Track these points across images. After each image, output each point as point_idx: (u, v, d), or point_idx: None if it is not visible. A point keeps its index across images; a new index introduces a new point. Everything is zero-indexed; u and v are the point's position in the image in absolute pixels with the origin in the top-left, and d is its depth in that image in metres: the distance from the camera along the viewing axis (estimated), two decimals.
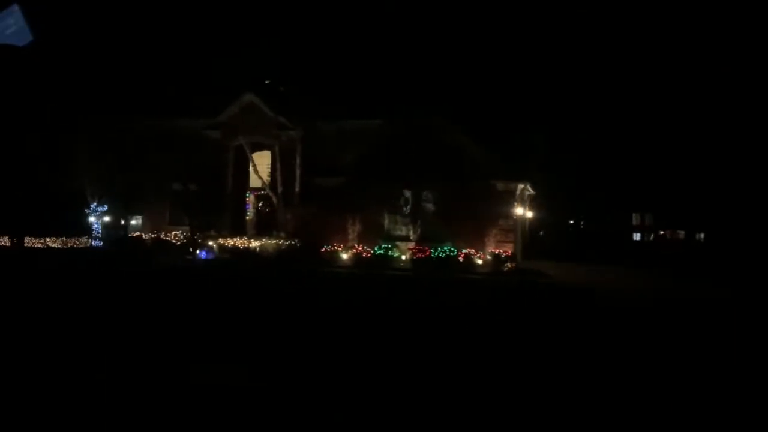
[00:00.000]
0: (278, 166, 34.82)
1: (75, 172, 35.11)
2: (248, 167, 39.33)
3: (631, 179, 60.95)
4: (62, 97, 35.85)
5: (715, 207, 54.46)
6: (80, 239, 35.40)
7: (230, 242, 30.93)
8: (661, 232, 79.18)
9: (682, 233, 75.85)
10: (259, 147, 38.57)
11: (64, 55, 37.43)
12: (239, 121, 37.67)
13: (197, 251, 30.06)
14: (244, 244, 30.50)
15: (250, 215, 38.94)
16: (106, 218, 39.35)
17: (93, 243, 34.22)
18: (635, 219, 79.77)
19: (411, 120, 28.25)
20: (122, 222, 36.79)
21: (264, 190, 39.13)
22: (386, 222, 28.77)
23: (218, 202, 37.81)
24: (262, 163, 39.05)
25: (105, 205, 34.87)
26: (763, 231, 45.97)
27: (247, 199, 39.21)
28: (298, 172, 33.48)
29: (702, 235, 70.97)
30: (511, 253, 26.58)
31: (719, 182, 51.70)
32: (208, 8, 41.01)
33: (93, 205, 34.68)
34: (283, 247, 30.14)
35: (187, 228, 37.60)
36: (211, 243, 30.98)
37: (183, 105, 38.50)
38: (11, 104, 36.39)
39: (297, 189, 33.65)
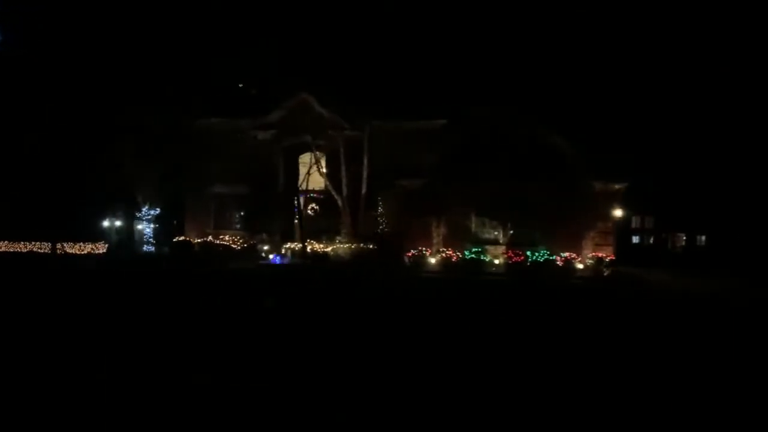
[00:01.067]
0: (342, 167, 33.70)
1: (121, 177, 33.52)
2: (299, 168, 38.26)
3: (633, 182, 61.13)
4: (106, 99, 34.25)
5: (718, 209, 54.86)
6: (96, 243, 34.12)
7: (299, 247, 29.73)
8: (663, 235, 79.87)
9: (683, 236, 76.63)
10: (307, 148, 37.48)
11: (108, 57, 35.81)
12: (292, 120, 36.45)
13: (271, 255, 28.76)
14: (322, 248, 29.35)
15: (298, 218, 37.76)
16: (137, 222, 37.98)
17: (145, 248, 32.63)
18: (635, 222, 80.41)
19: (497, 118, 27.41)
20: (173, 223, 35.15)
21: (311, 192, 37.96)
22: (473, 225, 27.95)
23: (269, 205, 36.62)
24: (308, 164, 38.02)
25: (157, 209, 33.30)
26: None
27: (296, 201, 38.06)
28: (364, 173, 32.37)
29: (703, 238, 71.77)
30: (613, 257, 25.99)
31: (721, 184, 52.04)
32: (256, 7, 39.59)
33: (144, 209, 33.09)
34: (357, 252, 29.09)
35: (233, 232, 36.34)
36: (286, 247, 29.72)
37: (230, 105, 37.17)
38: (53, 111, 34.81)
39: (363, 191, 32.55)
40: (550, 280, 23.25)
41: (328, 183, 32.79)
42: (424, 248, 27.36)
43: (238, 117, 36.54)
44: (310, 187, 37.49)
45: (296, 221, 37.62)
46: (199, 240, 34.23)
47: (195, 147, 35.08)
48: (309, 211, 38.66)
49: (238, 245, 31.55)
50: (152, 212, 32.84)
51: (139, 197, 33.26)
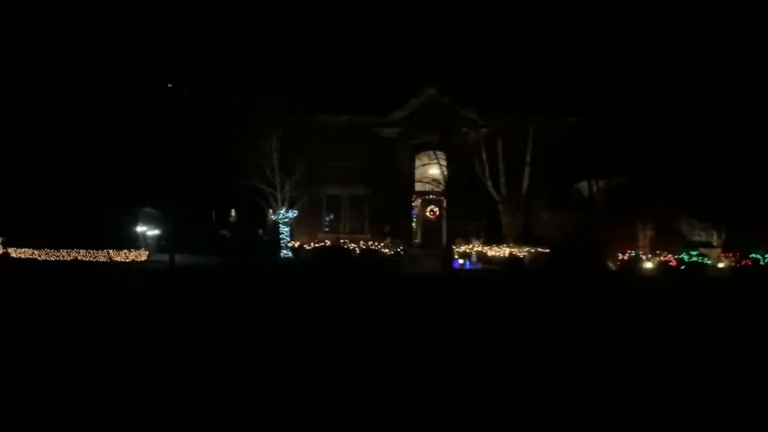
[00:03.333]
0: (486, 166, 31.49)
1: (250, 176, 30.29)
2: (422, 168, 35.68)
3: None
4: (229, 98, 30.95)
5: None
6: (138, 251, 30.22)
7: (488, 250, 27.38)
8: None
9: None
10: (431, 146, 35.03)
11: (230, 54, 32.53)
12: (419, 117, 34.06)
13: (461, 260, 26.26)
14: (512, 253, 27.06)
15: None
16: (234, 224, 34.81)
17: (282, 253, 29.41)
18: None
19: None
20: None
21: (430, 193, 35.40)
22: (683, 227, 26.30)
23: (393, 206, 34.03)
24: (432, 165, 35.56)
25: (295, 211, 30.10)
26: None
27: (413, 203, 35.54)
28: (526, 171, 30.34)
29: None
30: None
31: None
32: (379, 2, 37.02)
33: (282, 211, 29.84)
34: (535, 256, 27.01)
35: (351, 236, 33.44)
36: (460, 251, 27.28)
37: (351, 102, 34.33)
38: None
39: (523, 191, 30.49)
40: None
41: (488, 181, 30.58)
42: (636, 252, 25.49)
43: (363, 114, 33.87)
44: (432, 188, 35.33)
45: (414, 222, 35.26)
46: (352, 245, 30.89)
47: (311, 145, 32.09)
48: (428, 214, 36.26)
49: (390, 250, 28.70)
50: (290, 214, 29.53)
51: (278, 197, 29.95)
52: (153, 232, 32.72)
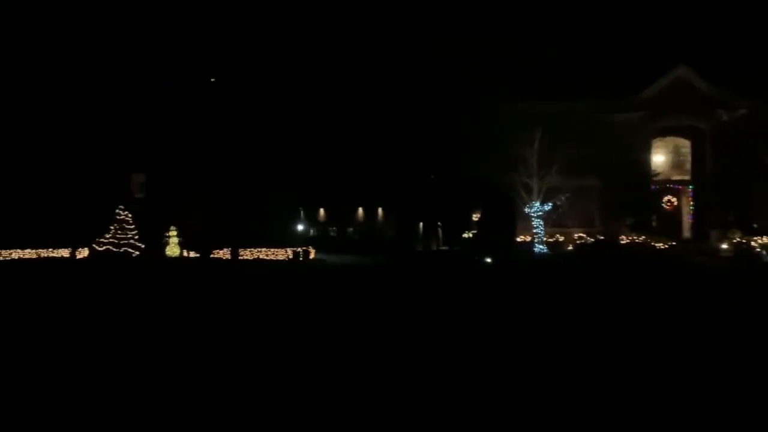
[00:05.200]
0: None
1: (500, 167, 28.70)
2: (664, 153, 33.25)
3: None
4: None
5: None
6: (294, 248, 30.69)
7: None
8: None
9: None
10: (672, 131, 32.50)
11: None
12: (662, 99, 31.38)
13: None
14: None
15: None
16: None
17: (537, 248, 27.60)
18: None
19: None
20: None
21: (668, 182, 32.65)
22: None
23: (632, 197, 31.51)
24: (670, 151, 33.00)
25: (550, 204, 28.28)
26: None
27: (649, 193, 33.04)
28: None
29: None
30: None
31: None
32: None
33: (536, 204, 28.08)
34: None
35: (573, 230, 31.25)
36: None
37: (575, 87, 31.91)
38: None
39: None
40: None
41: None
42: None
43: (581, 99, 31.29)
44: (668, 177, 32.81)
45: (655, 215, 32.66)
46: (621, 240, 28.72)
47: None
48: (665, 204, 33.62)
49: (664, 244, 26.31)
50: (545, 207, 27.70)
51: (534, 190, 28.25)
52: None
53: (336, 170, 36.63)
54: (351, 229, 45.48)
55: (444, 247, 36.77)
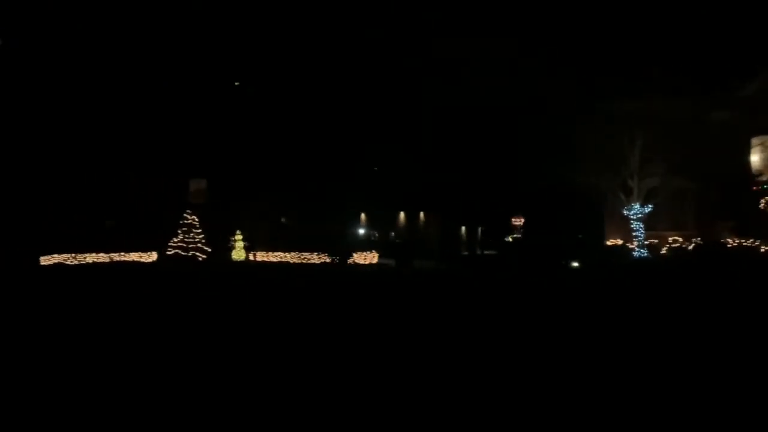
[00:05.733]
0: None
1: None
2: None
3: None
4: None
5: None
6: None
7: None
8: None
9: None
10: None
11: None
12: (764, 97, 29.54)
13: None
14: None
15: None
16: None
17: (636, 253, 25.74)
18: None
19: None
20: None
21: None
22: None
23: (732, 199, 29.62)
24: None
25: (650, 206, 26.47)
26: None
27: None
28: None
29: None
30: None
31: None
32: None
33: (636, 206, 26.28)
34: None
35: (668, 232, 29.42)
36: None
37: (667, 86, 30.05)
38: None
39: None
40: None
41: None
42: None
43: (674, 98, 29.46)
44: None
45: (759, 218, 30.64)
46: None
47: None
48: (762, 206, 31.58)
49: None
50: (645, 209, 25.88)
51: (634, 192, 26.43)
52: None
53: (386, 174, 35.80)
54: (393, 233, 44.45)
55: (488, 251, 35.82)
